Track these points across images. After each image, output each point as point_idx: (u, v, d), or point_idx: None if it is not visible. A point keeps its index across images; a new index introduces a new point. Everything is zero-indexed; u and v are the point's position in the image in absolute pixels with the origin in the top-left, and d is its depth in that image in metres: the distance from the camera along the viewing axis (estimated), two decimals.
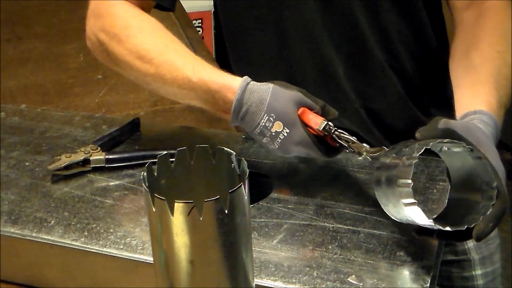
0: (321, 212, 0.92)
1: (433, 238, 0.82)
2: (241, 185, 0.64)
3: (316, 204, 0.93)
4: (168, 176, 0.70)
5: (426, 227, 0.80)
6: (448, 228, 0.77)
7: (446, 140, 0.79)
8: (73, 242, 0.88)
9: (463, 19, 1.04)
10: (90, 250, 0.87)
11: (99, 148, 1.04)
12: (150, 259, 0.77)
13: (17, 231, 0.90)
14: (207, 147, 0.71)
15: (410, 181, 0.77)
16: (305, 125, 0.91)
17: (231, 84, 0.92)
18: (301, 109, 0.91)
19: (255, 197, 0.94)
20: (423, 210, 0.77)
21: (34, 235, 0.89)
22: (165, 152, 0.70)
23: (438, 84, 1.15)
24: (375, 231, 0.88)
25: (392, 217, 0.84)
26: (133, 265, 0.85)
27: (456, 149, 0.81)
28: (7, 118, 1.19)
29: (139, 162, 1.03)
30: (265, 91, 0.91)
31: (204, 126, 1.31)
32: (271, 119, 0.90)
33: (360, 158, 0.91)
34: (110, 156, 1.03)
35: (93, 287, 0.88)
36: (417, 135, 0.82)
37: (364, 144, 0.90)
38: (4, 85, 1.51)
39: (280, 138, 0.91)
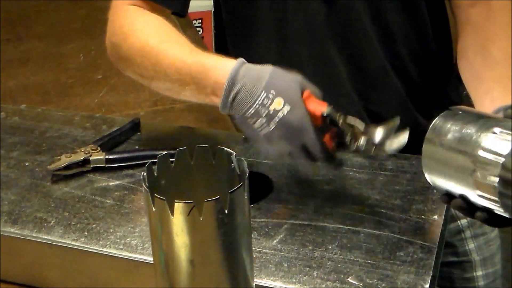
0: (321, 212, 0.92)
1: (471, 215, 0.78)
2: (241, 185, 0.64)
3: (316, 204, 0.93)
4: (168, 176, 0.70)
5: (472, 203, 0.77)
6: None
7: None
8: (73, 242, 0.88)
9: (469, 16, 1.04)
10: (90, 250, 0.87)
11: (99, 148, 1.04)
12: (150, 259, 0.77)
13: (17, 231, 0.90)
14: (207, 147, 0.71)
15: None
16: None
17: (226, 63, 0.90)
18: (306, 92, 0.87)
19: (255, 197, 0.93)
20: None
21: (34, 235, 0.89)
22: (165, 152, 0.70)
23: (440, 87, 1.15)
24: (375, 231, 0.88)
25: (434, 185, 0.81)
26: (133, 265, 0.85)
27: None
28: (7, 118, 1.19)
29: (139, 162, 1.03)
30: (264, 70, 0.88)
31: (204, 126, 1.31)
32: (270, 96, 0.86)
33: (362, 147, 0.86)
34: (110, 156, 1.03)
35: (93, 287, 0.88)
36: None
37: (377, 126, 0.86)
38: (4, 85, 1.51)
39: (278, 117, 0.85)
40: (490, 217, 0.76)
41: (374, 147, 0.86)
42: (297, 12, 1.06)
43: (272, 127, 0.86)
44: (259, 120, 0.86)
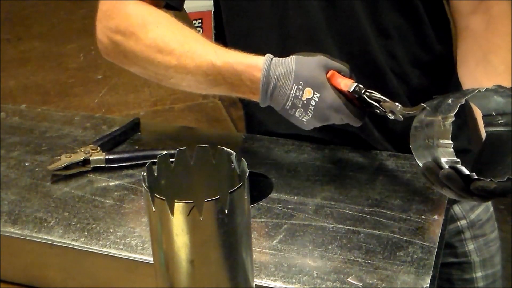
0: (321, 212, 0.92)
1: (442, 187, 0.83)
2: (241, 185, 0.64)
3: (316, 204, 0.93)
4: (168, 176, 0.70)
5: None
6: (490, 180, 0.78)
7: (484, 89, 0.81)
8: (73, 242, 0.88)
9: (469, 24, 1.04)
10: (90, 250, 0.87)
11: (99, 148, 1.04)
12: (150, 259, 0.77)
13: (17, 231, 0.90)
14: (207, 147, 0.71)
15: (450, 141, 0.79)
16: (336, 89, 0.93)
17: (257, 62, 0.94)
18: (330, 72, 0.93)
19: (255, 197, 0.94)
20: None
21: (34, 235, 0.89)
22: (165, 152, 0.70)
23: (439, 88, 1.15)
24: (375, 231, 0.88)
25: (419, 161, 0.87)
26: (133, 265, 0.85)
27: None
28: (7, 118, 1.19)
29: (139, 162, 1.03)
30: (290, 62, 0.93)
31: (204, 126, 1.31)
32: (300, 87, 0.92)
33: (392, 117, 0.92)
34: (110, 156, 1.03)
35: (93, 287, 0.88)
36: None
37: (397, 103, 0.92)
38: (4, 85, 1.51)
39: (312, 105, 0.92)
40: (454, 177, 0.80)
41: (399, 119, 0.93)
42: (298, 11, 1.06)
43: (311, 114, 0.93)
44: (298, 110, 0.93)
